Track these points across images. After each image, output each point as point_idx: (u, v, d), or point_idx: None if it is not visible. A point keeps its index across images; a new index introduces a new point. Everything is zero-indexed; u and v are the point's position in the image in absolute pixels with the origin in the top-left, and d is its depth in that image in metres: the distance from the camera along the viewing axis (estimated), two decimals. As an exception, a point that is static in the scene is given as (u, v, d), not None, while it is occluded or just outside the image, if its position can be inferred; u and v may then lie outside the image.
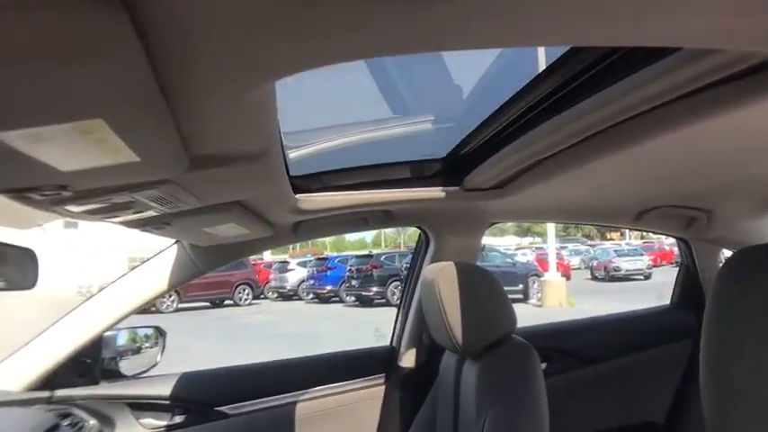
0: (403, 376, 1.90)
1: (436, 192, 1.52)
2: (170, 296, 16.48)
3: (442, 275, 1.31)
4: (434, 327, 1.37)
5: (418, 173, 1.54)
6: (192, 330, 10.29)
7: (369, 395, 1.90)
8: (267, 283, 20.58)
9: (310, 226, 1.66)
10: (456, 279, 1.30)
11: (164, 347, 2.11)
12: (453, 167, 1.51)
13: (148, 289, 1.70)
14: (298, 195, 1.40)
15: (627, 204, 1.81)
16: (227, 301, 17.79)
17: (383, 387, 1.90)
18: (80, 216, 0.99)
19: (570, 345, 2.09)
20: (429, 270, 1.39)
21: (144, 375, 1.96)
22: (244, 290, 18.24)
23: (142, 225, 1.19)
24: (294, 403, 1.83)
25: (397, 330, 2.00)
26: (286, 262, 23.17)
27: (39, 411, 1.58)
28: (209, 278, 17.82)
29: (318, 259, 20.22)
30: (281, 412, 1.82)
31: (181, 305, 16.50)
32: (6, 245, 0.97)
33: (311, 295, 18.38)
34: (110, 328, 1.69)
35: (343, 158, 1.51)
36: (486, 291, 1.33)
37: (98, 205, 0.91)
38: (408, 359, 1.90)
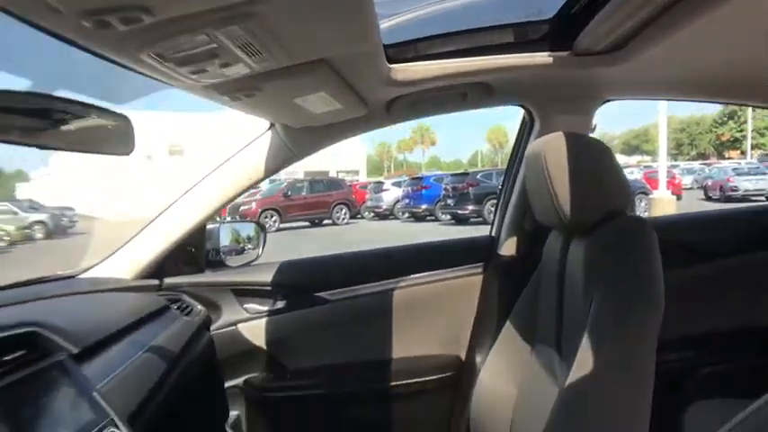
0: (503, 265, 1.82)
1: (542, 57, 1.37)
2: (272, 216, 17.33)
3: (549, 146, 1.19)
4: (539, 205, 1.26)
5: (522, 37, 1.38)
6: (293, 247, 10.74)
7: (467, 284, 1.85)
8: (363, 203, 21.04)
9: (404, 104, 1.57)
10: (565, 149, 1.17)
11: (264, 242, 2.17)
12: (562, 29, 1.34)
13: (246, 176, 1.71)
14: (391, 65, 1.31)
15: (763, 75, 1.56)
16: (325, 221, 18.43)
17: (481, 276, 1.85)
18: (166, 72, 0.96)
19: (689, 238, 1.90)
20: (535, 144, 1.27)
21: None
22: (341, 209, 18.77)
23: (232, 92, 1.16)
24: (392, 290, 1.82)
25: (497, 220, 1.91)
26: (381, 182, 23.47)
27: (150, 296, 1.68)
28: (308, 198, 18.53)
29: (413, 179, 20.25)
30: (379, 299, 1.82)
31: (282, 225, 17.31)
32: (102, 110, 0.98)
33: (406, 214, 18.57)
34: (212, 215, 1.73)
35: (440, 25, 1.39)
36: (599, 161, 1.19)
37: (182, 52, 0.87)
38: (508, 247, 1.82)
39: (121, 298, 1.57)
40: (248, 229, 2.15)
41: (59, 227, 20.08)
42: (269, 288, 1.82)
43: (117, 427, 1.05)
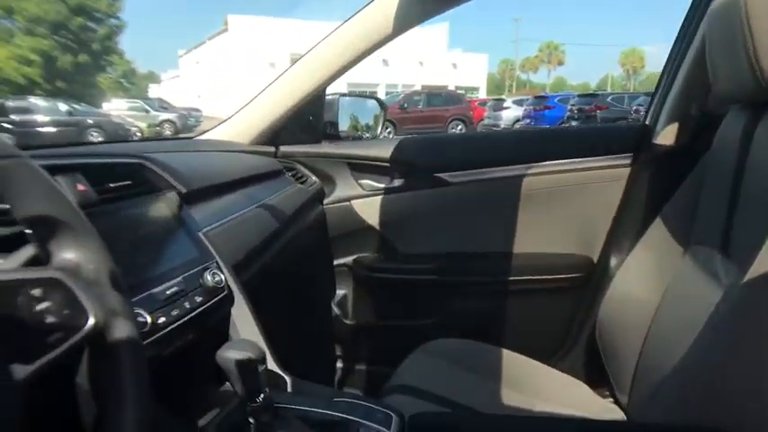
0: (657, 156, 1.55)
1: None
2: (386, 128, 17.26)
3: None
4: (725, 68, 0.99)
5: None
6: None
7: (610, 176, 1.61)
8: (480, 120, 20.38)
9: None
10: None
11: (384, 121, 2.03)
12: None
13: (371, 35, 1.53)
14: None
15: None
16: (441, 135, 18.12)
17: (629, 169, 1.59)
18: None
19: None
20: None
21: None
22: (457, 125, 18.35)
23: None
24: (521, 177, 1.62)
25: (653, 106, 1.62)
26: (501, 99, 22.51)
27: (266, 158, 1.61)
28: (424, 112, 18.25)
29: (537, 98, 19.23)
30: (507, 185, 1.63)
31: (396, 137, 17.24)
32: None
33: (526, 134, 17.77)
34: (332, 79, 1.59)
35: None
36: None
37: None
38: (667, 136, 1.54)
39: (236, 157, 1.51)
40: (369, 105, 2.02)
41: (186, 126, 21.50)
42: (387, 164, 1.69)
43: (221, 270, 0.99)
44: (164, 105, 23.03)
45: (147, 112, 21.30)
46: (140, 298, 0.81)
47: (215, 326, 0.98)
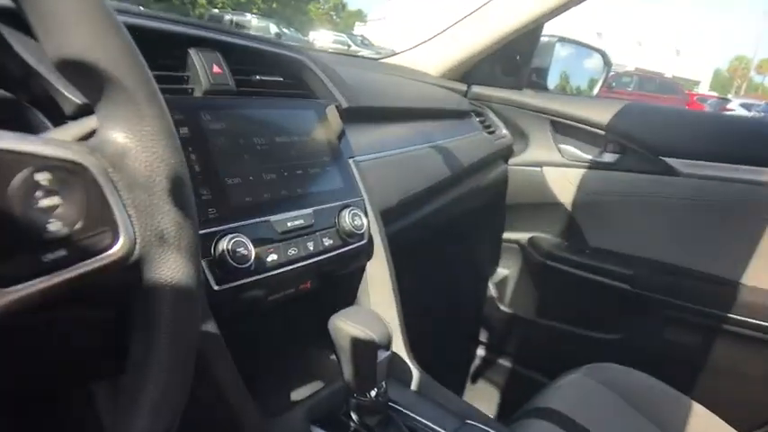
0: None
1: None
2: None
3: None
4: None
5: None
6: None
7: None
8: (695, 117, 18.11)
9: None
10: None
11: (605, 80, 1.65)
12: None
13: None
14: None
15: None
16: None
17: None
18: None
19: None
20: None
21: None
22: (666, 117, 16.47)
23: None
24: None
25: None
26: (726, 99, 19.75)
27: (454, 96, 1.35)
28: (632, 95, 16.63)
29: (772, 104, 16.49)
30: (762, 194, 1.20)
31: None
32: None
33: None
34: (553, 13, 1.26)
35: None
36: None
37: None
38: None
39: (418, 85, 1.27)
40: (588, 60, 1.66)
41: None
42: (600, 131, 1.33)
43: (364, 212, 0.77)
44: (365, 42, 23.66)
45: (348, 47, 22.08)
46: (250, 224, 0.60)
47: (340, 281, 0.76)
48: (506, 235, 1.49)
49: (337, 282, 0.75)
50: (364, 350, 0.58)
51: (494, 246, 1.51)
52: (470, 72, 1.41)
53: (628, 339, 1.33)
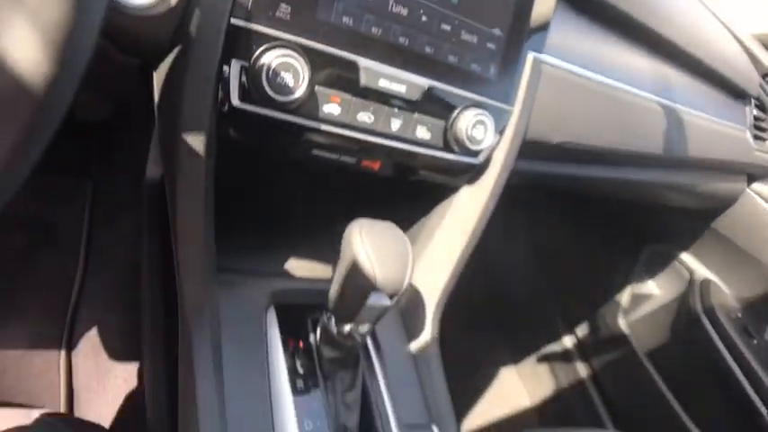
0: None
1: None
2: None
3: None
4: None
5: None
6: None
7: None
8: None
9: None
10: None
11: None
12: None
13: None
14: None
15: None
16: None
17: None
18: None
19: None
20: None
21: None
22: None
23: None
24: None
25: None
26: None
27: (745, 59, 0.97)
28: None
29: None
30: None
31: None
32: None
33: None
34: None
35: None
36: None
37: None
38: None
39: (704, 22, 0.92)
40: None
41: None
42: None
43: (496, 128, 0.55)
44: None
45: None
46: (324, 52, 0.43)
47: (414, 190, 0.57)
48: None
49: (411, 189, 0.57)
50: (358, 280, 0.43)
51: (634, 256, 1.21)
52: None
53: None
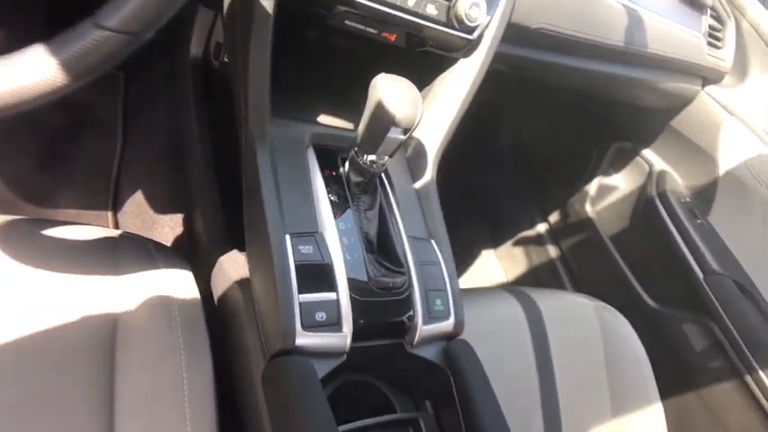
0: None
1: None
2: None
3: None
4: None
5: None
6: None
7: None
8: None
9: None
10: None
11: None
12: None
13: None
14: None
15: None
16: None
17: None
18: None
19: None
20: None
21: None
22: None
23: None
24: None
25: None
26: None
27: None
28: None
29: None
30: None
31: None
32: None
33: None
34: None
35: None
36: None
37: None
38: None
39: None
40: None
41: None
42: None
43: (489, 9, 0.69)
44: None
45: None
46: None
47: (423, 58, 0.72)
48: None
49: (419, 61, 0.72)
50: (381, 117, 0.58)
51: (602, 153, 1.38)
52: None
53: None
